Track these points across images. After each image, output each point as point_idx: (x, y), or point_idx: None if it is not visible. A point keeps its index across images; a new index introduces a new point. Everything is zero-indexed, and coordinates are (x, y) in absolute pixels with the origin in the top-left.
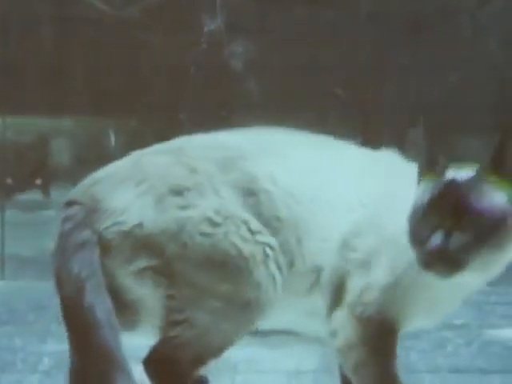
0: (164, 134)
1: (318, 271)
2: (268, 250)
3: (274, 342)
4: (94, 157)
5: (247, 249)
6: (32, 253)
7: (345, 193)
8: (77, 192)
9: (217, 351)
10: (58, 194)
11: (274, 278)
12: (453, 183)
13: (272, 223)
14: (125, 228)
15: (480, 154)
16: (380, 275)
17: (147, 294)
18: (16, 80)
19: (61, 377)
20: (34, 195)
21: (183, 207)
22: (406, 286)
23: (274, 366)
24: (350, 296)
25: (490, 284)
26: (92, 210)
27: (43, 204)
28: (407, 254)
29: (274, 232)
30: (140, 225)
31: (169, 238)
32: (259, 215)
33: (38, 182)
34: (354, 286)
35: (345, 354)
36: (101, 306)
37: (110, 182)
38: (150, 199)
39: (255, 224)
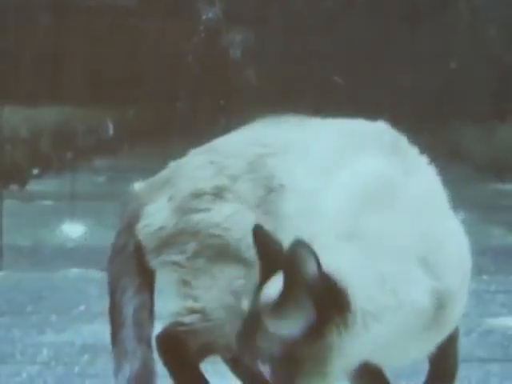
0: (162, 123)
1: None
2: None
3: None
4: (92, 146)
5: (246, 256)
6: (30, 243)
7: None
8: (136, 191)
9: (228, 345)
10: (56, 184)
11: None
12: None
13: (286, 221)
14: (151, 230)
15: (479, 141)
16: None
17: (169, 283)
18: (12, 69)
19: (60, 368)
20: (32, 185)
21: (199, 210)
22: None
23: None
24: None
25: (490, 273)
26: (135, 213)
27: (42, 194)
28: None
29: (288, 230)
30: (162, 227)
31: (187, 237)
32: (276, 213)
33: (36, 171)
34: None
35: None
36: (128, 305)
37: (153, 185)
38: (174, 203)
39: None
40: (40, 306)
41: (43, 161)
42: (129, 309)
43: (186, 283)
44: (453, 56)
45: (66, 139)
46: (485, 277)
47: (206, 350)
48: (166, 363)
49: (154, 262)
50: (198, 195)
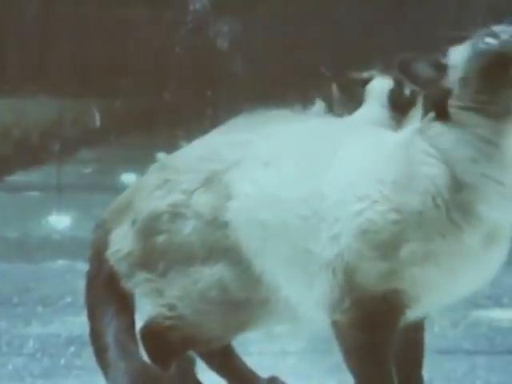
0: (149, 114)
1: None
2: (240, 272)
3: None
4: (79, 137)
5: (218, 267)
6: (17, 234)
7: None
8: (104, 215)
9: (208, 341)
10: (42, 175)
11: (264, 281)
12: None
13: (254, 230)
14: (120, 255)
15: None
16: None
17: (144, 295)
18: None
19: (46, 359)
20: (19, 177)
21: (161, 232)
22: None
23: (260, 348)
24: (358, 276)
25: None
26: (102, 240)
27: (28, 185)
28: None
29: (257, 238)
30: (130, 252)
31: (155, 257)
32: (240, 221)
33: (21, 163)
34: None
35: (343, 333)
36: (107, 330)
37: (116, 209)
38: (137, 226)
39: (226, 241)
40: (26, 297)
41: (29, 152)
42: (109, 334)
43: (160, 293)
44: (439, 45)
45: (53, 130)
46: None
47: (186, 344)
48: (149, 355)
49: (128, 285)
50: (156, 216)
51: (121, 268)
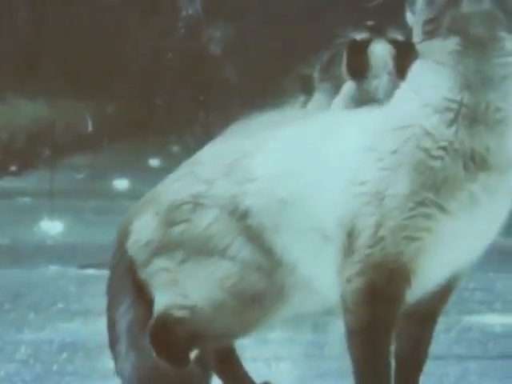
0: (141, 120)
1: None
2: (260, 261)
3: None
4: (71, 143)
5: (238, 257)
6: (9, 240)
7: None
8: (129, 211)
9: (216, 338)
10: (34, 181)
11: (283, 264)
12: None
13: (274, 204)
14: (139, 244)
15: None
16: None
17: (159, 285)
18: None
19: (38, 366)
20: (11, 182)
21: (181, 221)
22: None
23: (253, 353)
24: (361, 238)
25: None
26: (124, 232)
27: (21, 191)
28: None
29: (277, 212)
30: (150, 241)
31: (174, 247)
32: (261, 204)
33: (14, 168)
34: (366, 225)
35: (349, 311)
36: (121, 320)
37: (140, 204)
38: (158, 217)
39: (248, 231)
40: (18, 303)
41: (22, 158)
42: (122, 324)
43: (175, 283)
44: None
45: (45, 136)
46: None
47: (194, 340)
48: (155, 350)
49: (144, 274)
50: (177, 206)
51: (139, 257)
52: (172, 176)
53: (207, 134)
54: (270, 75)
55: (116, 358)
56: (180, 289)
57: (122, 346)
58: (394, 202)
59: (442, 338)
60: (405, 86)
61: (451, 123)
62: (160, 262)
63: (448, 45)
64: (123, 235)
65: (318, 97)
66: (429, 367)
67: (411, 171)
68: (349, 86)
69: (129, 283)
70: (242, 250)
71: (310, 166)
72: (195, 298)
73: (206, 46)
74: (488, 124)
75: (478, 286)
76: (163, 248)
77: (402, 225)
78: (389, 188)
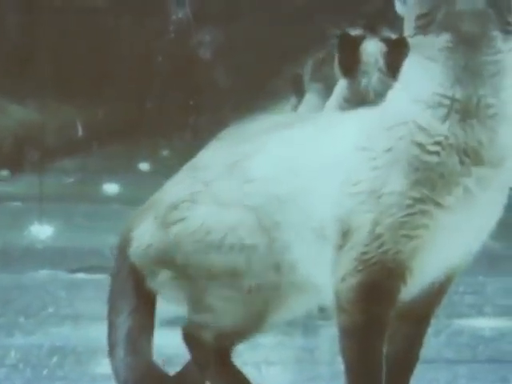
0: (131, 124)
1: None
2: (261, 249)
3: None
4: (61, 147)
5: (238, 252)
6: None
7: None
8: (129, 219)
9: (235, 333)
10: (24, 185)
11: (274, 264)
12: None
13: (273, 203)
14: (140, 250)
15: None
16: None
17: (174, 295)
18: None
19: (28, 370)
20: (1, 186)
21: (177, 221)
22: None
23: (243, 358)
24: (357, 236)
25: (458, 274)
26: (125, 238)
27: (10, 195)
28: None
29: (275, 210)
30: (150, 245)
31: (173, 250)
32: (259, 203)
33: (4, 173)
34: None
35: (343, 310)
36: (121, 326)
37: (141, 209)
38: (158, 220)
39: (247, 225)
40: (8, 307)
41: (11, 162)
42: (122, 330)
43: (185, 291)
44: None
45: (35, 139)
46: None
47: (221, 340)
48: (194, 361)
49: (152, 284)
50: (175, 206)
51: (143, 265)
52: (171, 181)
53: (197, 138)
54: (260, 78)
55: (113, 360)
56: (193, 297)
57: (121, 351)
58: (390, 199)
59: (431, 342)
60: (397, 85)
61: (444, 118)
62: (165, 273)
63: (439, 41)
64: (124, 242)
65: (309, 98)
66: (418, 371)
67: (406, 168)
68: (341, 86)
69: (130, 290)
70: (237, 246)
71: (306, 166)
72: (207, 301)
73: (196, 49)
74: (480, 119)
75: (468, 289)
76: (164, 252)
77: (400, 222)
78: (384, 186)
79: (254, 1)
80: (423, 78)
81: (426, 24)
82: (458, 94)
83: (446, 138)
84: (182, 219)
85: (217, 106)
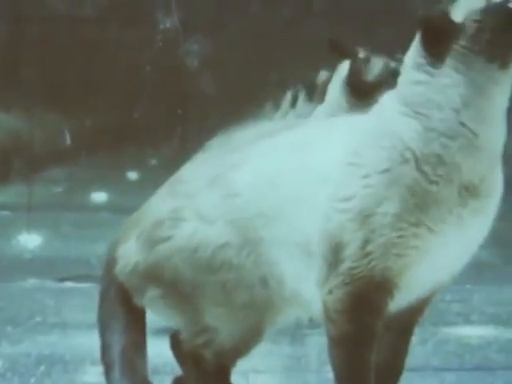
0: (119, 133)
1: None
2: (248, 265)
3: None
4: (49, 156)
5: (227, 271)
6: None
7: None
8: (115, 237)
9: (235, 348)
10: (13, 194)
11: (262, 279)
12: None
13: (257, 218)
14: (127, 270)
15: None
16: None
17: (164, 312)
18: None
19: (16, 379)
20: None
21: (163, 239)
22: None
23: None
24: (346, 252)
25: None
26: (111, 256)
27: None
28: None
29: (260, 225)
30: (136, 264)
31: (161, 268)
32: (243, 218)
33: None
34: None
35: (331, 320)
36: (115, 345)
37: (125, 227)
38: (141, 238)
39: (233, 244)
40: None
41: None
42: (116, 349)
43: (177, 308)
44: None
45: (22, 149)
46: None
47: (220, 357)
48: (195, 378)
49: (143, 302)
50: (159, 223)
51: (130, 283)
52: (154, 197)
53: (185, 147)
54: (247, 87)
55: (110, 381)
56: (188, 318)
57: (117, 371)
58: (384, 219)
59: (418, 350)
60: (395, 105)
61: (454, 150)
62: (153, 291)
63: (498, 73)
64: (110, 261)
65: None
66: (405, 379)
67: (404, 191)
68: (333, 93)
69: (120, 308)
70: (226, 264)
71: (291, 179)
72: (200, 318)
73: (183, 58)
74: (486, 154)
75: (455, 297)
76: (151, 270)
77: (392, 242)
78: (378, 206)
79: (241, 11)
80: (447, 103)
81: (497, 52)
82: (469, 127)
83: (450, 170)
84: (168, 238)
85: (204, 115)
